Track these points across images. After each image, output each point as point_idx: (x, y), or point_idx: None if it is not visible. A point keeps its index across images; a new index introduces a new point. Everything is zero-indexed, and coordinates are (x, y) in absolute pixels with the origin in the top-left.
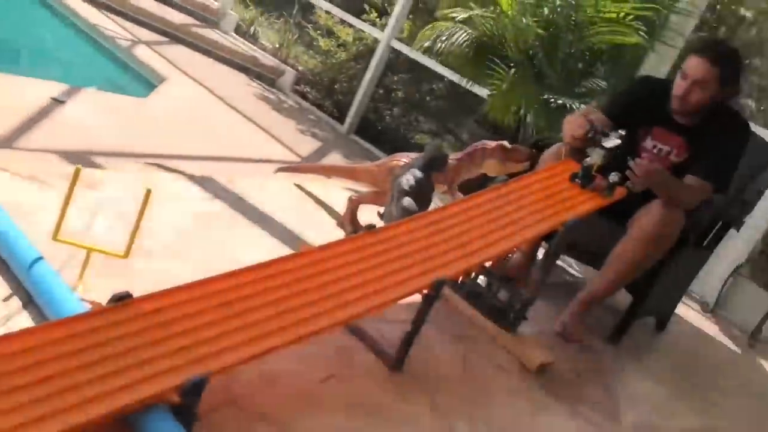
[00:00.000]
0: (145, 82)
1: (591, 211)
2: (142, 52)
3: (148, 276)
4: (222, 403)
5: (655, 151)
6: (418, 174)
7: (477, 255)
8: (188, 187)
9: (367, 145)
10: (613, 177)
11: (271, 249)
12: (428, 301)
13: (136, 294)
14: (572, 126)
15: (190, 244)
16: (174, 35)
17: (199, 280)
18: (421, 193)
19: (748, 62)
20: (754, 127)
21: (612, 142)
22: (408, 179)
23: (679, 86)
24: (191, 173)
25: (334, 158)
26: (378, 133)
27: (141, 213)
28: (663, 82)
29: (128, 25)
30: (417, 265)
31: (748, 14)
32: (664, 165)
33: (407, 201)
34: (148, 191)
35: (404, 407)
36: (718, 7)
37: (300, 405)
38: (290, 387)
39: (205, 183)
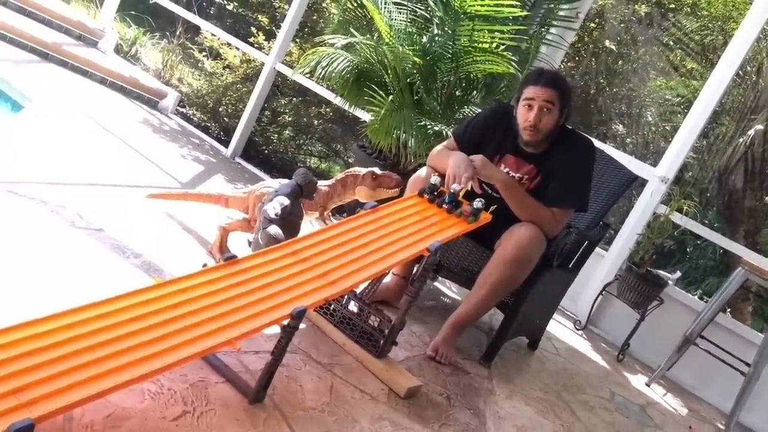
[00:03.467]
0: (11, 102)
1: (457, 236)
2: (8, 72)
3: None
4: None
5: None
6: (285, 201)
7: (341, 283)
8: (42, 214)
9: (253, 168)
10: (478, 203)
11: (129, 280)
12: (287, 330)
13: None
14: (413, 185)
15: (36, 276)
16: (45, 54)
17: (34, 318)
18: (288, 221)
19: (615, 91)
20: (618, 154)
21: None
22: (274, 207)
23: (527, 116)
24: (48, 200)
25: (217, 182)
26: (264, 157)
27: None
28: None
29: None
30: (278, 295)
31: (613, 47)
32: None
33: (273, 229)
34: None
35: None
36: (586, 39)
37: None
38: (138, 427)
39: (61, 210)
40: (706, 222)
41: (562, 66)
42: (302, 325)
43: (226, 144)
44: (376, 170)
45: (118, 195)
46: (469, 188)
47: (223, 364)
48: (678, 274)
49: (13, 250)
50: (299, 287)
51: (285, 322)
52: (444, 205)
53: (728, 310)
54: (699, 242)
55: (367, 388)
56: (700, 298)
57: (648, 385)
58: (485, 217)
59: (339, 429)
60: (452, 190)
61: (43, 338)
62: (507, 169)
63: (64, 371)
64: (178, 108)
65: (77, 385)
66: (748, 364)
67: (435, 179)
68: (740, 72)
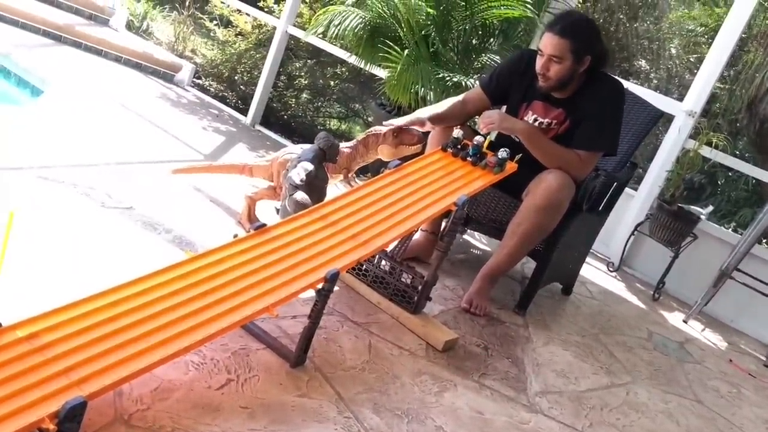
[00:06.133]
0: (30, 88)
1: (484, 188)
2: (24, 57)
3: (23, 296)
4: (111, 422)
5: (536, 125)
6: (309, 166)
7: (371, 243)
8: (73, 197)
9: (274, 135)
10: (503, 153)
11: (162, 256)
12: (323, 294)
13: (5, 320)
14: (434, 140)
15: (73, 258)
16: (58, 36)
17: (77, 299)
18: (314, 185)
19: (636, 26)
20: (642, 91)
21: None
22: (298, 172)
23: (537, 64)
24: (77, 182)
25: (239, 152)
26: (284, 122)
27: (6, 235)
28: None
29: (5, 28)
30: (310, 260)
31: None
32: (548, 137)
33: (300, 195)
34: (11, 213)
35: (307, 402)
36: None
37: (196, 414)
38: (185, 398)
39: (90, 192)
40: (737, 153)
41: (579, 4)
42: (336, 287)
43: (244, 112)
44: (398, 121)
45: (145, 172)
46: (492, 139)
47: (262, 331)
48: (710, 208)
49: (49, 235)
50: (331, 250)
51: (319, 286)
52: (468, 158)
53: (764, 241)
54: (730, 174)
55: (405, 344)
56: (734, 231)
57: (685, 321)
58: (511, 167)
59: (380, 386)
60: (476, 143)
61: (88, 318)
62: (535, 115)
63: (111, 349)
64: (194, 80)
65: (124, 361)
66: None
67: (457, 132)
68: None
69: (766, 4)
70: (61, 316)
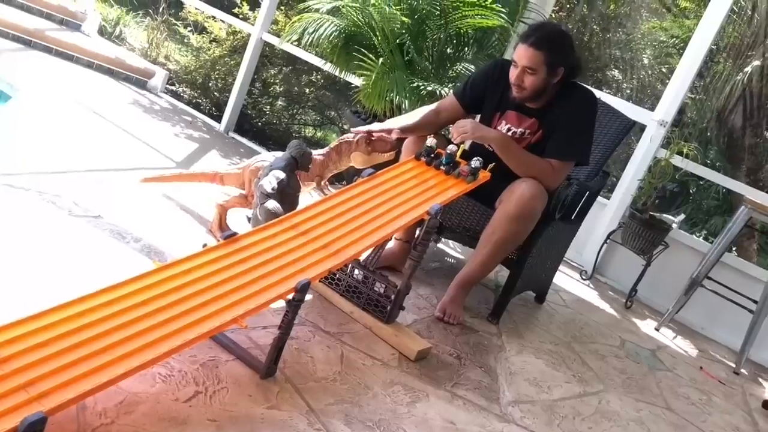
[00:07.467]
0: None
1: (457, 196)
2: None
3: None
4: None
5: (509, 134)
6: (280, 174)
7: (343, 253)
8: (40, 205)
9: (248, 142)
10: (476, 162)
11: (131, 266)
12: (293, 304)
13: None
14: (408, 148)
15: (38, 268)
16: (28, 41)
17: (40, 311)
18: (285, 194)
19: (609, 36)
20: (615, 101)
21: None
22: (270, 181)
23: (512, 75)
24: (43, 190)
25: (212, 159)
26: (258, 130)
27: None
28: None
29: None
30: (281, 270)
31: None
32: (521, 146)
33: (271, 204)
34: None
35: (277, 414)
36: None
37: (162, 427)
38: (151, 411)
39: (57, 200)
40: (708, 162)
41: (553, 15)
42: (308, 297)
43: (218, 119)
44: (372, 127)
45: (114, 180)
46: (465, 148)
47: (232, 342)
48: (682, 216)
49: (13, 244)
50: (302, 260)
51: (290, 296)
52: (442, 167)
53: (734, 249)
54: (702, 183)
55: (377, 354)
56: (705, 239)
57: (657, 329)
58: (484, 176)
59: (352, 397)
60: (449, 152)
61: (50, 330)
62: (508, 125)
63: (74, 361)
64: (167, 86)
65: (87, 374)
66: (755, 302)
67: (431, 141)
68: (734, 8)
69: (734, 16)
70: (22, 329)
